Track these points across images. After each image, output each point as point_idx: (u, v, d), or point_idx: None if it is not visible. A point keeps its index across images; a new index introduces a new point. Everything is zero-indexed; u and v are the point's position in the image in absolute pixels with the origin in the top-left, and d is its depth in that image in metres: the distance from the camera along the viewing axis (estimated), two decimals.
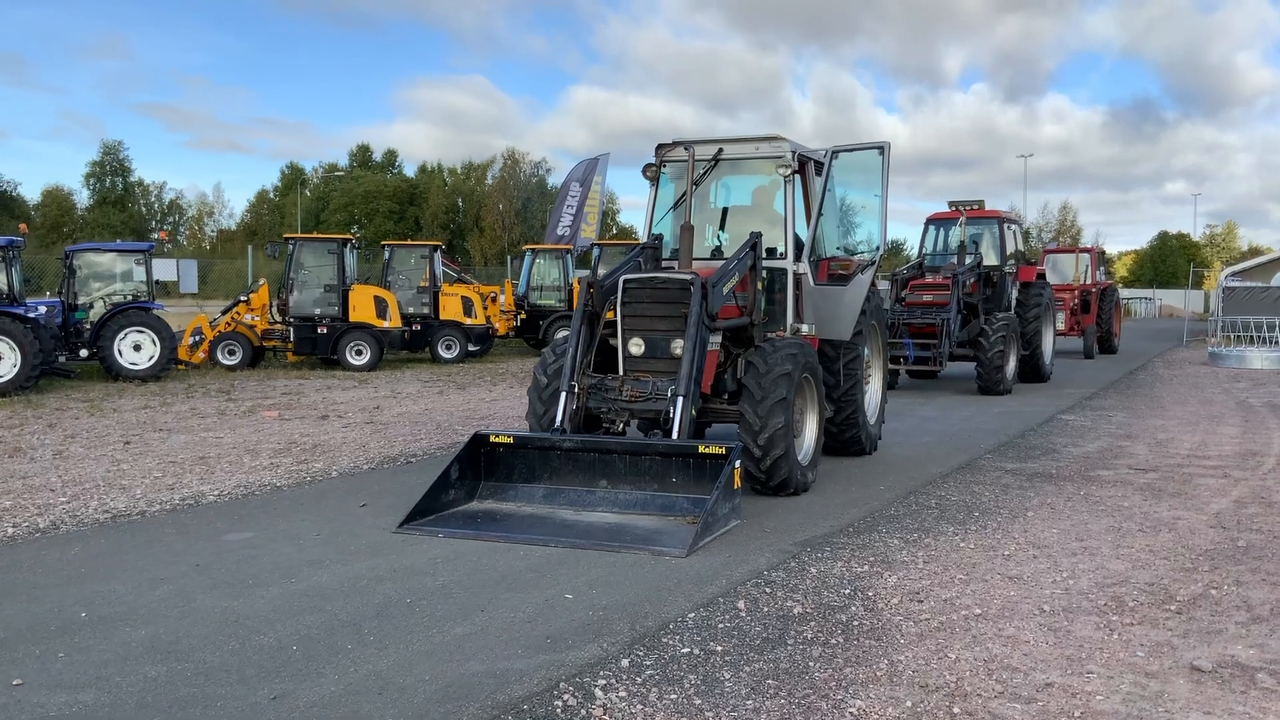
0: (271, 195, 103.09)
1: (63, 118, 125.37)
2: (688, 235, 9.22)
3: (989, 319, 17.15)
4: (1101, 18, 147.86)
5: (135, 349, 18.53)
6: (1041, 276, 19.67)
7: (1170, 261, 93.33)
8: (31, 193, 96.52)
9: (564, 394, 8.37)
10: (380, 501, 8.44)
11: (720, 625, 5.40)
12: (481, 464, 8.19)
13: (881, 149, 10.25)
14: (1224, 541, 7.28)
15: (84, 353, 18.57)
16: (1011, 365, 17.10)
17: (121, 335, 18.43)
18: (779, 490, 8.51)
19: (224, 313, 22.04)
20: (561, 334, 23.73)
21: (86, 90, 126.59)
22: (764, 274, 9.56)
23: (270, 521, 7.73)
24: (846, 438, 10.49)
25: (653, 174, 10.15)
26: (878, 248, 10.59)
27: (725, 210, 10.49)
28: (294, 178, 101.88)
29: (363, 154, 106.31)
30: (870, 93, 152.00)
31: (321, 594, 5.87)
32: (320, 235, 25.61)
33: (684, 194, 9.77)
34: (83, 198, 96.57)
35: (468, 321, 24.04)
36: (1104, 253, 27.99)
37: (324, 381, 19.15)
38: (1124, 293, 57.05)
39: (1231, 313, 31.39)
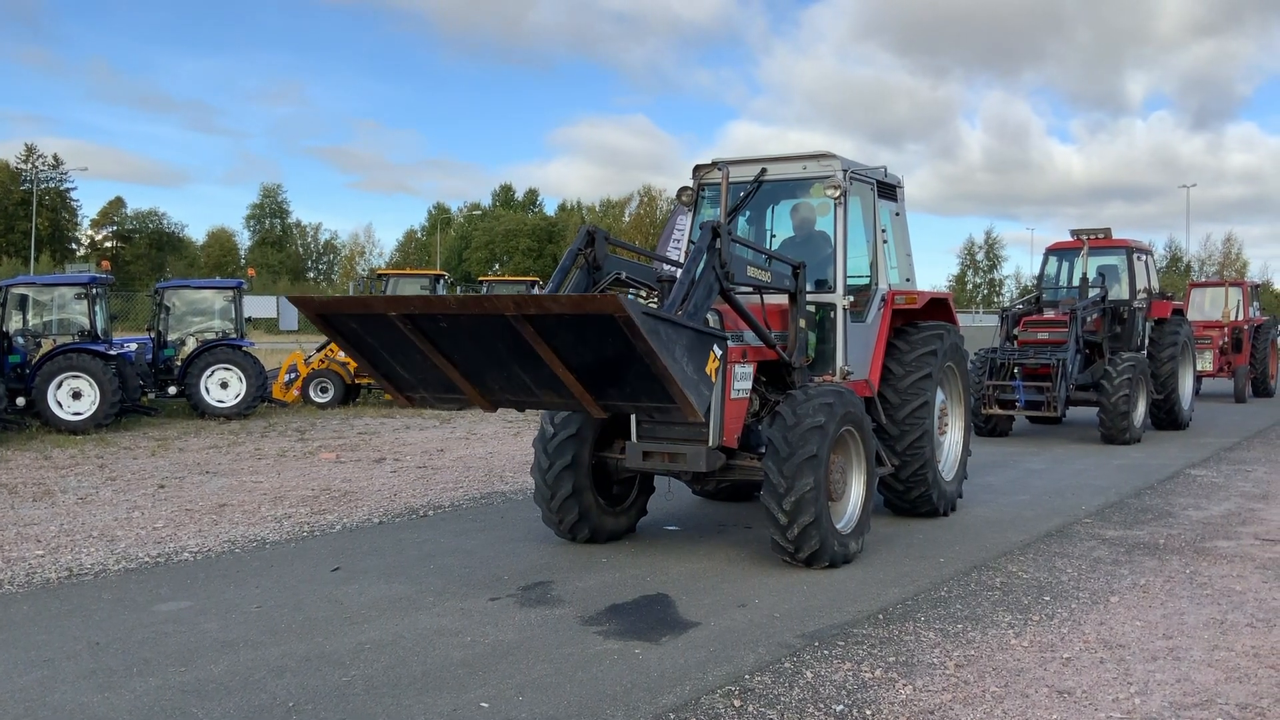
0: (419, 234, 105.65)
1: (240, 160, 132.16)
2: None
3: (1114, 359, 15.35)
4: None
5: (222, 386, 18.31)
6: (1179, 312, 17.64)
7: None
8: (198, 234, 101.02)
9: None
10: (357, 564, 7.56)
11: None
12: None
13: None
14: None
15: (172, 390, 18.48)
16: (1140, 411, 15.22)
17: (209, 373, 18.22)
18: (810, 563, 7.26)
19: (319, 350, 21.77)
20: None
21: (263, 135, 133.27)
22: (811, 310, 8.38)
23: (220, 588, 6.91)
24: (914, 496, 9.13)
25: (689, 199, 9.07)
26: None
27: (774, 238, 9.33)
28: (440, 217, 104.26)
29: (505, 193, 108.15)
30: (1045, 121, 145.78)
31: (200, 689, 4.98)
32: (413, 271, 25.24)
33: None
34: (244, 239, 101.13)
35: None
36: (1258, 286, 25.34)
37: (406, 421, 18.58)
38: None
39: None
